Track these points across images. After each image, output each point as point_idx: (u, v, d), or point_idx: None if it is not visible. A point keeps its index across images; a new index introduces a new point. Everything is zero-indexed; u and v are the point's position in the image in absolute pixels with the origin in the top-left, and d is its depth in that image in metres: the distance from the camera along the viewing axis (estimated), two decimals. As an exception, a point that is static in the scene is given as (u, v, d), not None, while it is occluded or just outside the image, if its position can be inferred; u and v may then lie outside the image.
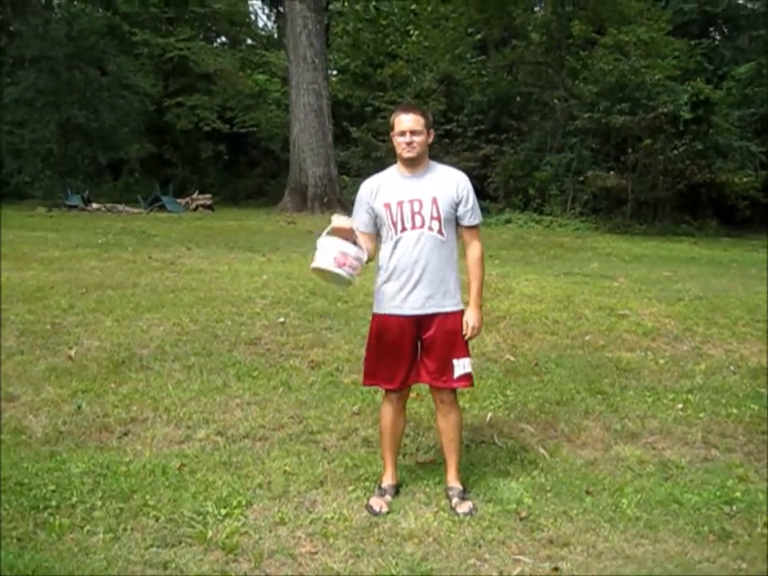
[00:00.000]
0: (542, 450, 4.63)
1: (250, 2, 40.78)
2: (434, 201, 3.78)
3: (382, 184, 3.88)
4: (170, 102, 30.83)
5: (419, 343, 3.91)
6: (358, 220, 3.89)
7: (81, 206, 22.63)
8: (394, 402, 3.98)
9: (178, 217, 20.61)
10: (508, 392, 5.50)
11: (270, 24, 44.53)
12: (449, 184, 3.84)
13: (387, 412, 4.00)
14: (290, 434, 4.76)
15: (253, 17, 42.95)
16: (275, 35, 41.23)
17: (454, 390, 3.97)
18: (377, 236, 3.94)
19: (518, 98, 25.80)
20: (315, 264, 3.72)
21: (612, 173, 20.80)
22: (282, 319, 6.86)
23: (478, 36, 25.54)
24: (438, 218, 3.79)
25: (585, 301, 7.65)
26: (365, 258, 3.75)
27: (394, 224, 3.80)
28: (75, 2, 30.36)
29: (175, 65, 31.55)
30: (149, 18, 31.52)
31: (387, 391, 3.98)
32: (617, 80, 20.35)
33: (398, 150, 3.81)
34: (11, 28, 28.76)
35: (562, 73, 23.72)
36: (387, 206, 3.81)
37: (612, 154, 21.72)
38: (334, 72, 30.26)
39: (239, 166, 32.59)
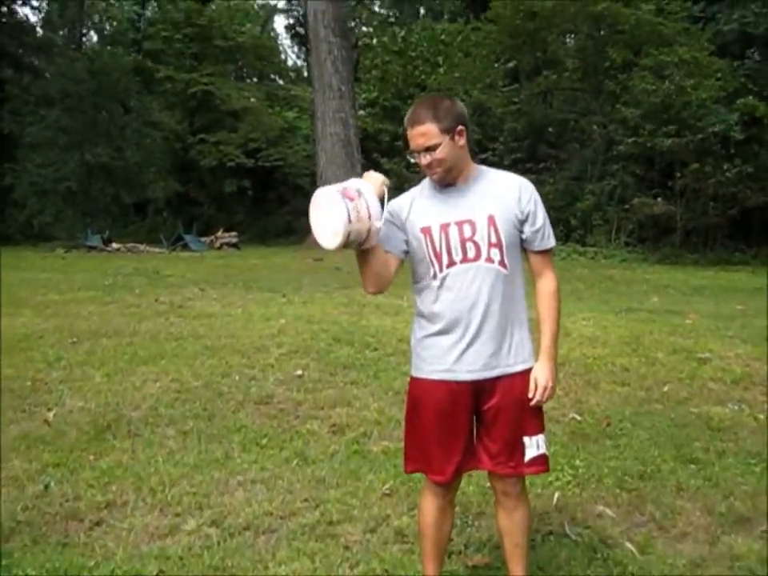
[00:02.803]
0: (628, 545, 3.53)
1: (279, 42, 40.82)
2: (491, 220, 2.70)
3: (417, 200, 2.81)
4: (193, 140, 30.46)
5: (476, 417, 2.84)
6: (385, 240, 2.75)
7: (100, 246, 22.50)
8: (440, 495, 2.90)
9: (201, 256, 20.23)
10: (577, 462, 4.40)
11: (299, 62, 44.61)
12: (509, 195, 2.76)
13: (430, 508, 2.93)
14: (302, 524, 3.72)
15: (282, 56, 43.10)
16: (304, 73, 41.17)
17: (522, 478, 2.91)
18: (401, 262, 2.83)
19: (554, 127, 25.27)
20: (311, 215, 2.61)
21: (659, 199, 20.08)
22: (299, 372, 5.97)
23: (510, 64, 25.10)
24: (499, 244, 2.71)
25: (655, 342, 6.61)
26: (379, 223, 2.59)
27: (438, 256, 2.72)
28: (108, 48, 30.39)
29: (200, 101, 31.34)
30: (173, 55, 31.28)
31: (432, 482, 2.91)
32: (661, 101, 19.66)
33: None
34: (35, 63, 28.71)
35: (600, 98, 23.07)
36: (426, 231, 2.72)
37: (657, 179, 21.09)
38: (364, 106, 29.81)
39: (268, 203, 32.38)
